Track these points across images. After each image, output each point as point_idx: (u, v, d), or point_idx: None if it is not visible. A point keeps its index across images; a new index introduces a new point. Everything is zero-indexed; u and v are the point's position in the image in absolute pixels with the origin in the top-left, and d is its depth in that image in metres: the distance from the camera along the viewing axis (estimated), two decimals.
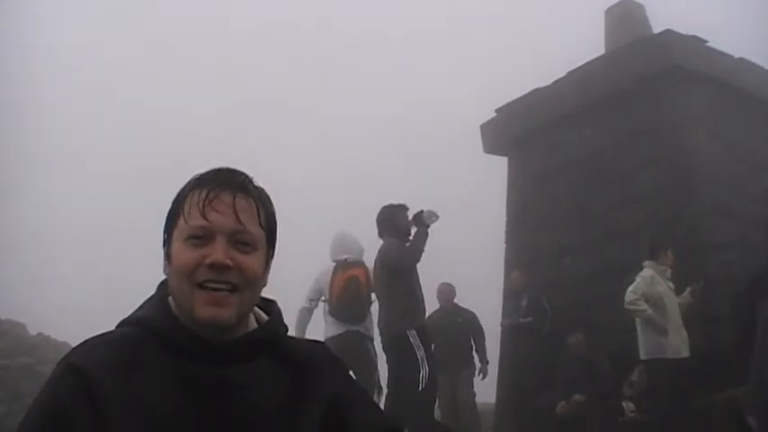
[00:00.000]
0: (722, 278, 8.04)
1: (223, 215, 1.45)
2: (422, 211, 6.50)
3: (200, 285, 1.43)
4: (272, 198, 1.59)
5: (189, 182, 1.52)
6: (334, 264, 7.08)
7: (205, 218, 1.44)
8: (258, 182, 1.56)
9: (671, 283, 7.44)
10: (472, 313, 9.60)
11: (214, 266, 1.42)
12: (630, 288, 7.31)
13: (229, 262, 1.43)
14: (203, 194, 1.46)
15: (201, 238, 1.44)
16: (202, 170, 1.55)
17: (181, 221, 1.47)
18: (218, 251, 1.43)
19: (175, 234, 1.48)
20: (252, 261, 1.47)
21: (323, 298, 7.05)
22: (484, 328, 9.62)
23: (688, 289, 7.59)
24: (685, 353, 7.21)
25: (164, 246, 1.54)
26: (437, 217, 6.48)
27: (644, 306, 7.19)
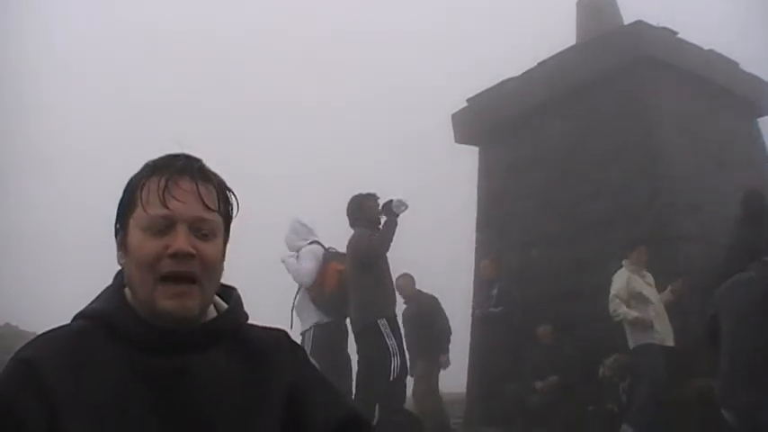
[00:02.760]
0: (688, 270, 8.13)
1: (184, 203, 1.41)
2: (391, 201, 6.48)
3: (162, 278, 1.39)
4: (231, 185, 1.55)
5: (143, 168, 1.47)
6: (321, 250, 6.96)
7: (166, 206, 1.40)
8: (210, 166, 1.51)
9: (649, 278, 7.54)
10: (434, 298, 9.38)
11: (177, 256, 1.38)
12: (611, 292, 7.43)
13: (192, 250, 1.40)
14: (162, 182, 1.41)
15: (163, 226, 1.40)
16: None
17: (138, 210, 1.42)
18: (180, 239, 1.39)
19: (132, 223, 1.43)
20: (212, 249, 1.44)
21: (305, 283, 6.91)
22: (453, 315, 9.47)
23: (669, 288, 7.69)
24: (670, 342, 7.40)
25: (116, 235, 1.48)
26: (406, 206, 6.46)
27: (626, 310, 7.34)
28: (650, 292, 7.47)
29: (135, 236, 1.42)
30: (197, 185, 1.43)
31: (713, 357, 5.34)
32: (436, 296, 9.33)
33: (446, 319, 9.23)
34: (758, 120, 10.98)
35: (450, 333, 9.22)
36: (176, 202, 1.41)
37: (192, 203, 1.42)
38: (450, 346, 9.21)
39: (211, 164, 1.52)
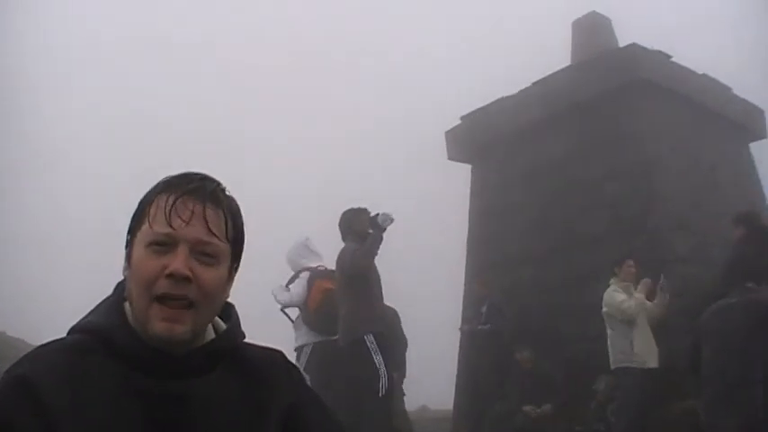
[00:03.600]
0: (677, 291, 8.13)
1: (189, 224, 1.39)
2: (377, 215, 6.48)
3: (158, 298, 1.37)
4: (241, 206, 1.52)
5: (158, 183, 1.45)
6: (306, 271, 7.01)
7: (170, 224, 1.38)
8: (229, 191, 1.49)
9: (638, 294, 7.45)
10: (394, 311, 9.19)
11: (173, 277, 1.36)
12: (603, 309, 7.40)
13: (189, 273, 1.37)
14: (170, 200, 1.40)
15: (164, 245, 1.38)
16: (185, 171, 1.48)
17: (145, 225, 1.41)
18: (179, 261, 1.37)
19: (138, 237, 1.42)
20: (212, 275, 1.41)
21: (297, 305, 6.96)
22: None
23: (654, 302, 7.63)
24: (653, 364, 7.27)
25: (126, 246, 1.46)
26: (392, 220, 6.46)
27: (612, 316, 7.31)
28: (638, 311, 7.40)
29: (138, 251, 1.41)
30: (204, 208, 1.41)
31: (697, 380, 5.35)
32: (395, 308, 9.27)
33: (402, 331, 9.14)
34: (750, 144, 11.04)
35: (407, 346, 9.12)
36: (180, 222, 1.39)
37: (196, 225, 1.40)
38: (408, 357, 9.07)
39: (209, 170, 1.51)
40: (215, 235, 1.42)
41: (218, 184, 1.48)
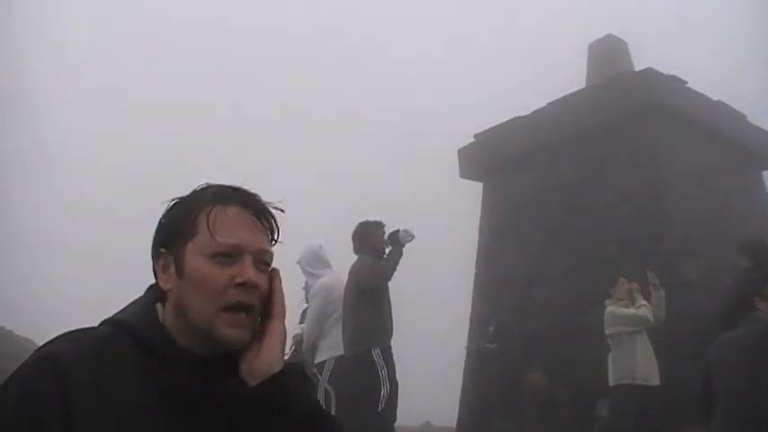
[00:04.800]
0: (686, 317, 8.09)
1: (252, 234, 1.46)
2: (398, 230, 6.46)
3: (227, 307, 1.42)
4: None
5: (202, 196, 1.49)
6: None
7: (236, 236, 1.44)
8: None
9: (640, 302, 7.37)
10: None
11: (245, 286, 1.42)
12: (606, 332, 7.36)
13: (258, 282, 1.44)
14: (231, 211, 1.45)
15: (229, 256, 1.43)
16: (212, 180, 1.53)
17: (203, 237, 1.44)
18: (249, 270, 1.43)
19: (193, 248, 1.44)
20: (266, 279, 1.49)
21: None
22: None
23: (652, 303, 7.49)
24: (655, 381, 7.21)
25: (156, 257, 1.49)
26: (412, 237, 6.43)
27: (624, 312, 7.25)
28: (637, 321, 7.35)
29: (197, 262, 1.43)
30: (260, 219, 1.48)
31: (706, 405, 5.30)
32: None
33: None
34: (764, 172, 11.02)
35: None
36: (246, 233, 1.45)
37: (258, 235, 1.47)
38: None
39: (211, 168, 1.53)
40: (270, 243, 1.50)
41: (255, 194, 1.53)
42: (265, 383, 1.44)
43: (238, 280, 1.41)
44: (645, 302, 7.32)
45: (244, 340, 1.44)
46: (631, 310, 7.27)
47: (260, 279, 1.45)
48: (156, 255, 1.50)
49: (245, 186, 1.53)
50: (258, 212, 1.48)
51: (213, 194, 1.48)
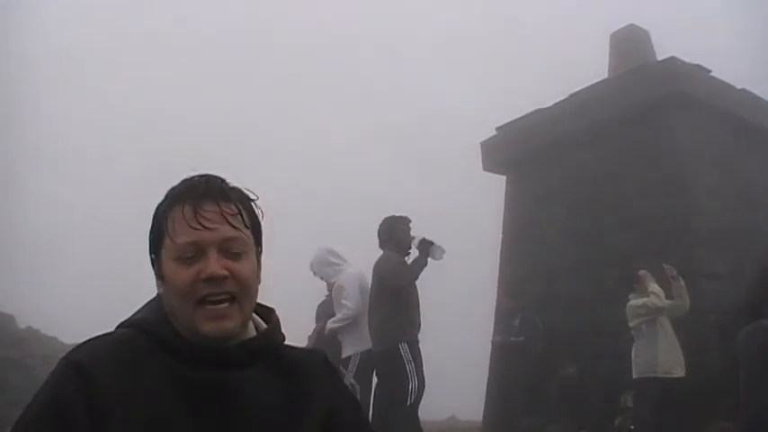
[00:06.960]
0: (712, 308, 8.04)
1: (210, 228, 1.43)
2: (432, 243, 6.40)
3: (200, 301, 1.42)
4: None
5: (166, 197, 1.50)
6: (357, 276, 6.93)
7: (192, 234, 1.43)
8: (232, 181, 1.53)
9: (652, 288, 7.32)
10: None
11: (211, 280, 1.41)
12: (630, 325, 7.33)
13: (225, 272, 1.42)
14: (186, 210, 1.44)
15: (191, 254, 1.43)
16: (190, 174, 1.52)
17: (167, 241, 1.45)
18: (212, 264, 1.42)
19: (164, 254, 1.46)
20: (245, 266, 1.46)
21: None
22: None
23: (672, 296, 7.44)
24: (679, 372, 7.17)
25: (153, 265, 1.52)
26: (443, 252, 6.39)
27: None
28: (661, 318, 7.31)
29: (168, 266, 1.45)
30: (220, 207, 1.45)
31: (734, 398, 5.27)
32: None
33: None
34: None
35: None
36: (202, 229, 1.43)
37: (218, 227, 1.44)
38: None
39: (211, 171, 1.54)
40: (237, 229, 1.46)
41: (223, 179, 1.52)
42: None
43: (202, 275, 1.41)
44: (655, 289, 7.28)
45: (228, 330, 1.44)
46: (642, 299, 7.26)
47: (233, 267, 1.44)
48: (151, 263, 1.53)
49: (215, 174, 1.53)
50: (218, 201, 1.46)
51: (172, 197, 1.49)
